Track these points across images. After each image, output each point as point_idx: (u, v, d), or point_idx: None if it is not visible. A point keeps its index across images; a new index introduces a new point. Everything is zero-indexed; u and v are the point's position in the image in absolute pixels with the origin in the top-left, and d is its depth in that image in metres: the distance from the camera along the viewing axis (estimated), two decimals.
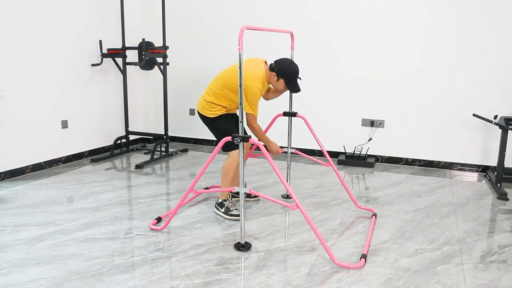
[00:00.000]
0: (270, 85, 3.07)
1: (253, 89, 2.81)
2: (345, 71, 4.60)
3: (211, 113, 2.99)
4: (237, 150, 2.92)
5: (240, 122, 2.43)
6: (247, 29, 2.31)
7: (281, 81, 2.89)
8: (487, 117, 4.17)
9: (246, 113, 2.89)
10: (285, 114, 3.25)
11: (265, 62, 2.98)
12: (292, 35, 3.10)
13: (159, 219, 2.93)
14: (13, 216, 3.01)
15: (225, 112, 3.01)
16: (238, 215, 2.97)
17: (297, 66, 2.89)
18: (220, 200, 3.08)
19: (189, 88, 5.34)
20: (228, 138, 2.47)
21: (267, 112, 4.26)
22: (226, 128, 2.97)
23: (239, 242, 2.55)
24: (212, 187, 3.65)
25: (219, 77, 2.98)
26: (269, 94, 3.22)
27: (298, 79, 2.92)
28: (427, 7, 4.22)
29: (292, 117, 3.59)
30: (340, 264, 2.34)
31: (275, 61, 2.90)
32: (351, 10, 4.48)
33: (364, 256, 2.39)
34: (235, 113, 3.12)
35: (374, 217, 3.00)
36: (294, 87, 2.92)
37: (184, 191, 3.59)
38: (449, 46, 4.21)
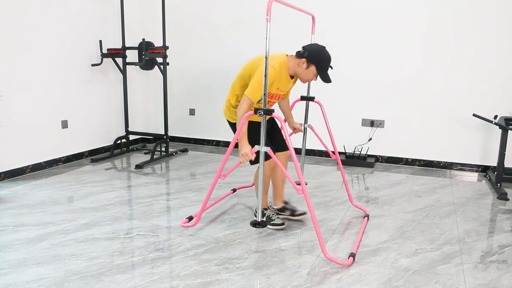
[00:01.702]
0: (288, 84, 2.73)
1: (261, 73, 2.49)
2: (345, 71, 4.60)
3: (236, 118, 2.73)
4: (266, 162, 2.69)
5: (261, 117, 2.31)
6: (275, 1, 2.34)
7: (312, 68, 2.56)
8: (487, 117, 4.17)
9: (244, 96, 2.57)
10: (302, 98, 3.17)
11: (287, 54, 2.68)
12: (313, 18, 3.00)
13: (190, 218, 2.88)
14: (13, 216, 3.01)
15: (253, 120, 2.70)
16: (283, 224, 2.82)
17: (329, 53, 2.60)
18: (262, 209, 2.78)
19: (189, 88, 5.34)
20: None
21: None
22: (251, 138, 2.60)
23: (256, 220, 2.57)
24: (239, 188, 3.62)
25: (239, 76, 2.70)
26: (284, 105, 3.03)
27: (330, 68, 2.63)
28: (427, 7, 4.22)
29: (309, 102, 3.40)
30: (331, 259, 2.36)
31: (304, 47, 2.58)
32: (351, 10, 4.48)
33: (353, 255, 2.40)
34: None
35: (366, 218, 3.00)
36: (326, 76, 2.58)
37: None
38: (449, 46, 4.21)
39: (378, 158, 4.65)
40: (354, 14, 4.47)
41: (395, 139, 4.55)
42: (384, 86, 4.49)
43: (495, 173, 3.82)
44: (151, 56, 4.47)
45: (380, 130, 4.58)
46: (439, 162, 4.45)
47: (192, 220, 2.86)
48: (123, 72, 4.86)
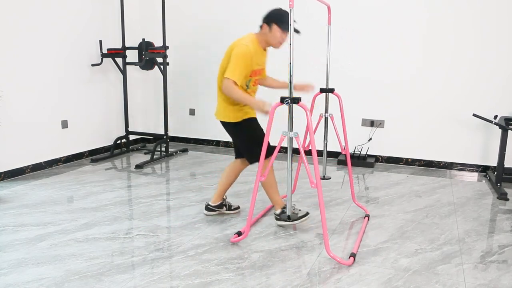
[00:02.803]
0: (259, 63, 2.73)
1: (240, 48, 2.51)
2: (345, 71, 4.60)
3: (235, 117, 2.70)
4: (267, 160, 2.70)
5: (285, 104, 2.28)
6: None
7: (274, 27, 2.59)
8: (487, 117, 4.17)
9: (224, 80, 2.52)
10: (321, 90, 3.13)
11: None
12: (329, 8, 2.97)
13: (239, 233, 2.66)
14: (13, 216, 3.01)
15: (251, 116, 2.73)
16: (308, 213, 2.79)
17: (284, 9, 2.64)
18: (279, 211, 2.82)
19: (189, 88, 5.34)
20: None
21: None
22: (255, 133, 2.68)
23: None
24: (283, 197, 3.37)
25: (220, 72, 2.69)
26: (268, 81, 2.97)
27: (294, 23, 2.64)
28: (427, 7, 4.22)
29: (329, 94, 3.29)
30: (333, 257, 2.36)
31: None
32: (351, 10, 4.48)
33: (353, 255, 2.40)
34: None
35: (366, 218, 2.99)
36: (288, 26, 2.57)
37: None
38: (449, 46, 4.21)
39: (378, 158, 4.65)
40: (354, 14, 4.47)
41: (395, 139, 4.55)
42: (384, 86, 4.49)
43: (495, 173, 3.82)
44: (151, 56, 4.47)
45: (380, 130, 4.58)
46: (439, 162, 4.45)
47: (242, 235, 2.64)
48: (123, 72, 4.86)
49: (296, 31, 2.68)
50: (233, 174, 2.95)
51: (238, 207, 3.13)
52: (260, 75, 2.80)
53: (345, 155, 3.22)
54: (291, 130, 2.48)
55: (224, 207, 3.05)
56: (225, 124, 2.78)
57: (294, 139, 2.48)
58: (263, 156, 2.50)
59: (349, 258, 2.40)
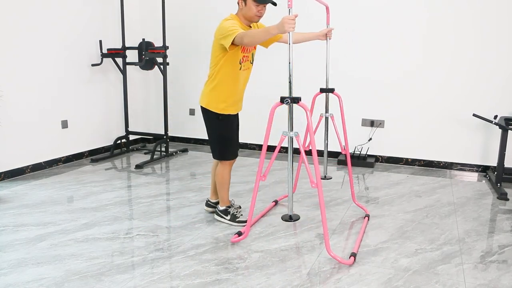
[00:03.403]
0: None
1: (225, 23, 2.56)
2: (345, 71, 4.60)
3: (216, 107, 2.73)
4: (230, 160, 2.83)
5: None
6: None
7: (249, 1, 2.60)
8: (487, 117, 4.17)
9: (236, 39, 2.47)
10: (321, 90, 3.15)
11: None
12: (327, 8, 3.03)
13: (239, 233, 2.67)
14: (13, 216, 3.01)
15: (229, 113, 2.80)
16: (245, 221, 2.83)
17: None
18: (223, 208, 2.91)
19: (189, 88, 5.34)
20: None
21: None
22: (225, 133, 2.78)
23: (287, 214, 2.57)
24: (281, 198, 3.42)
25: (211, 55, 2.71)
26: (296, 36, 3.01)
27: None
28: (427, 7, 4.21)
29: (329, 93, 3.33)
30: (335, 257, 2.36)
31: None
32: (351, 10, 4.48)
33: (353, 255, 2.40)
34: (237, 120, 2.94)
35: (366, 218, 2.99)
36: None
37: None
38: (449, 46, 4.21)
39: (378, 158, 4.65)
40: (354, 14, 4.47)
41: (395, 139, 4.55)
42: (384, 86, 4.49)
43: (495, 173, 3.82)
44: (151, 56, 4.47)
45: (380, 130, 4.58)
46: (439, 162, 4.45)
47: (242, 235, 2.66)
48: (123, 72, 4.86)
49: (273, 3, 2.63)
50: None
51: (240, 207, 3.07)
52: (249, 52, 2.78)
53: (345, 155, 3.22)
54: (292, 130, 2.48)
55: (228, 215, 2.92)
56: (204, 111, 2.80)
57: (294, 138, 2.49)
58: (263, 155, 2.51)
59: (349, 257, 2.40)
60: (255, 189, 2.51)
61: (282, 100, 2.37)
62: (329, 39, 3.16)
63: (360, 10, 4.44)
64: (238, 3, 2.67)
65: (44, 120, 4.17)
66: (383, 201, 3.42)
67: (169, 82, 5.33)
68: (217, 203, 3.05)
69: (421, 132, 4.45)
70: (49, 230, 2.77)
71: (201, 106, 2.81)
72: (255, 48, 2.85)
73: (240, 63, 2.71)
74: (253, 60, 2.84)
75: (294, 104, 2.40)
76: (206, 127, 2.86)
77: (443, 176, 4.17)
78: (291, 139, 2.54)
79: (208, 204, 3.12)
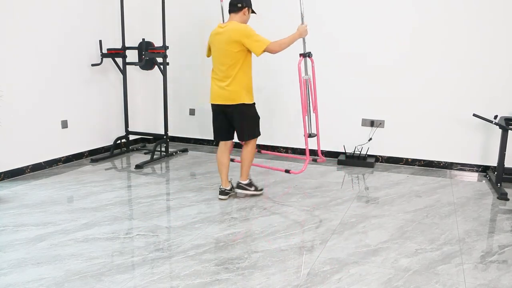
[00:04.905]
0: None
1: (247, 28, 3.06)
2: (345, 71, 4.60)
3: (250, 99, 3.21)
4: (255, 139, 3.31)
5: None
6: None
7: (249, 10, 3.18)
8: (487, 117, 4.17)
9: (269, 46, 3.02)
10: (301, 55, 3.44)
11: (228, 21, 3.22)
12: None
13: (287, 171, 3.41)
14: (13, 216, 3.01)
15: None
16: (263, 189, 3.54)
17: None
18: (247, 181, 3.40)
19: (189, 88, 5.33)
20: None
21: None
22: (258, 116, 3.30)
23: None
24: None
25: (226, 56, 3.10)
26: None
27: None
28: (428, 7, 4.21)
29: None
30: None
31: (232, 2, 3.14)
32: (350, 9, 4.47)
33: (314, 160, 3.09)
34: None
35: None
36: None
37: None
38: (449, 46, 4.21)
39: (378, 158, 4.65)
40: (354, 14, 4.47)
41: (395, 139, 4.55)
42: (384, 86, 4.49)
43: (495, 173, 3.82)
44: (151, 56, 4.47)
45: (380, 130, 4.58)
46: (439, 162, 4.44)
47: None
48: (123, 72, 4.86)
49: (253, 12, 3.24)
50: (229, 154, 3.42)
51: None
52: None
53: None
54: (306, 74, 3.30)
55: (252, 186, 3.45)
56: (246, 107, 3.19)
57: (307, 80, 3.29)
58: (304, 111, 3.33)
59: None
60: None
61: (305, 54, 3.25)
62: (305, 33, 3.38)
63: (360, 10, 4.44)
64: (244, 13, 3.15)
65: (44, 120, 4.17)
66: (383, 201, 3.42)
67: (169, 82, 5.32)
68: (231, 189, 3.41)
69: (421, 132, 4.45)
70: (49, 230, 2.77)
71: (241, 104, 3.16)
72: None
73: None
74: None
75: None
76: (242, 119, 3.22)
77: (443, 176, 4.17)
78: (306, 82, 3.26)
79: (225, 192, 3.39)
